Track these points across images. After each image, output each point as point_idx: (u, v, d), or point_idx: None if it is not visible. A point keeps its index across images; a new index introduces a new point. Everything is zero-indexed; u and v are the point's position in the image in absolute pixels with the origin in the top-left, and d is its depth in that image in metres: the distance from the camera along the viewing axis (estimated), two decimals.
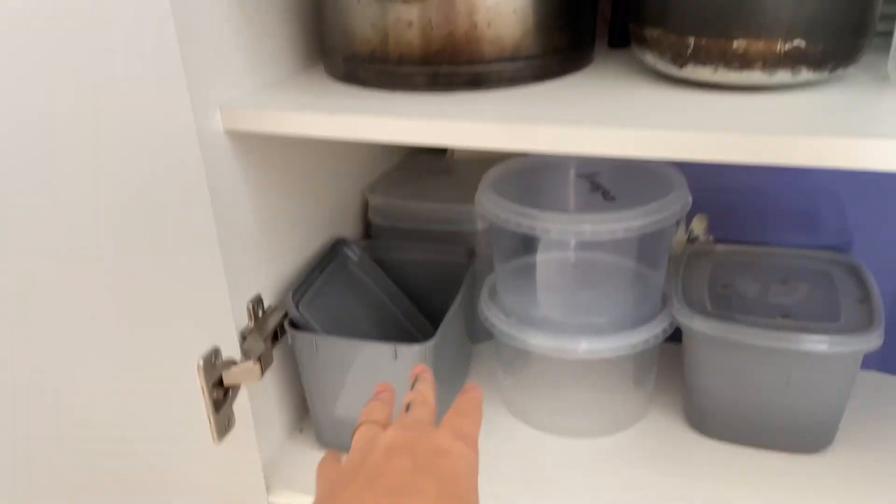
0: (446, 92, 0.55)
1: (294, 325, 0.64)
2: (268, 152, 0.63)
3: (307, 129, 0.53)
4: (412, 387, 0.42)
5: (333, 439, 0.68)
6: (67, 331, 0.41)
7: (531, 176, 0.71)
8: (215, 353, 0.54)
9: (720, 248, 0.74)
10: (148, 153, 0.45)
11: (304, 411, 0.72)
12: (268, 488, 0.64)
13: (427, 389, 0.42)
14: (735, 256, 0.72)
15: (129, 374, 0.46)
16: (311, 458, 0.68)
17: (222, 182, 0.57)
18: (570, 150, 0.46)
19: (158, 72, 0.46)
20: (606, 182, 0.66)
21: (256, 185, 0.62)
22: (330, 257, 0.73)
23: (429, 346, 0.61)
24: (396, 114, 0.50)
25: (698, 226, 0.74)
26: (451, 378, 0.72)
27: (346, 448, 0.69)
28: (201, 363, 0.52)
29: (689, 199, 0.62)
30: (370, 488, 0.33)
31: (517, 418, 0.72)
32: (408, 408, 0.40)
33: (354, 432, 0.40)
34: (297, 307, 0.63)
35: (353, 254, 0.75)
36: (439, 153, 0.94)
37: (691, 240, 0.75)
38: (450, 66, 0.54)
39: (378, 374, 0.62)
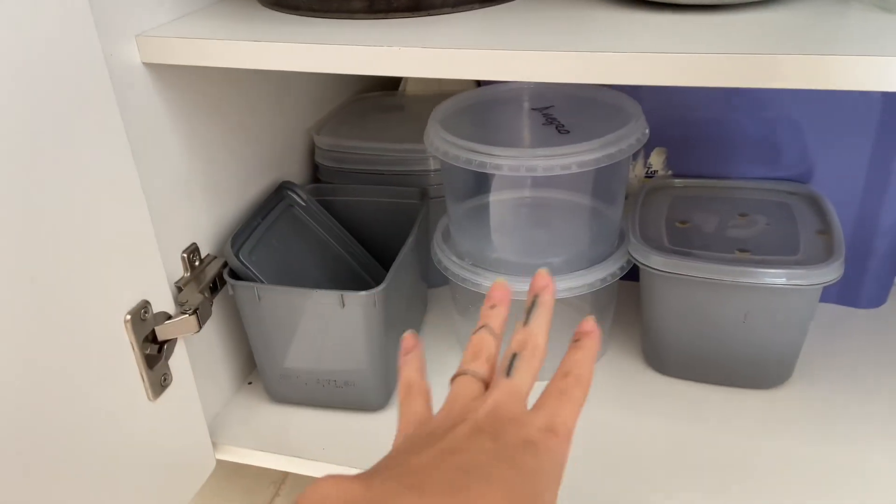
0: (385, 17, 0.50)
1: (235, 274, 0.60)
2: (197, 88, 0.58)
3: (233, 59, 0.48)
4: (527, 314, 0.37)
5: (284, 392, 0.65)
6: None
7: (483, 110, 0.67)
8: (145, 306, 0.50)
9: (678, 182, 0.71)
10: (49, 87, 0.41)
11: (252, 364, 0.69)
12: (215, 445, 0.61)
13: (540, 327, 0.37)
14: (693, 190, 0.71)
15: (47, 334, 0.42)
16: (261, 412, 0.65)
17: (144, 120, 0.52)
18: (519, 78, 0.43)
19: None
20: (561, 115, 0.63)
21: (186, 125, 0.57)
22: (274, 202, 0.69)
23: (377, 292, 0.58)
24: (329, 41, 0.46)
25: (657, 159, 0.72)
26: (405, 324, 0.69)
27: (295, 401, 0.66)
28: (129, 318, 0.48)
29: (647, 130, 0.60)
30: (442, 459, 0.31)
31: None
32: (512, 359, 0.36)
33: (454, 379, 0.37)
34: (236, 255, 0.60)
35: (298, 197, 0.71)
36: (390, 90, 0.90)
37: (649, 174, 0.73)
38: None
39: (326, 324, 0.60)
